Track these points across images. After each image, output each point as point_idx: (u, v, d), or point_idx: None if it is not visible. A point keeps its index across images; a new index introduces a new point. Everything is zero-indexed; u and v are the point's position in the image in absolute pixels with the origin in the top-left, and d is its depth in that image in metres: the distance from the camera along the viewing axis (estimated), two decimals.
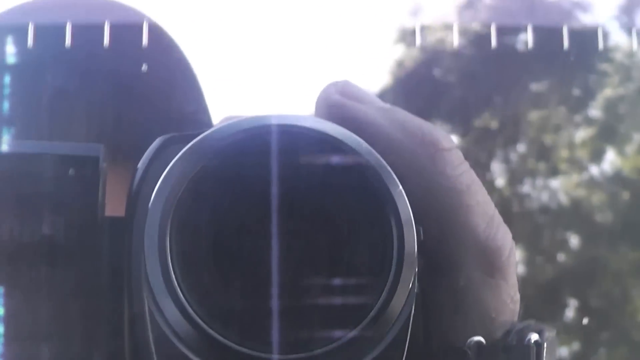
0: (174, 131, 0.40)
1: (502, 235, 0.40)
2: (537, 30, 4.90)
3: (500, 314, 0.40)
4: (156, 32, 0.70)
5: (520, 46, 5.05)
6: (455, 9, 5.01)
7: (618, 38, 5.31)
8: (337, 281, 0.37)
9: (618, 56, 5.30)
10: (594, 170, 5.65)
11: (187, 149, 0.35)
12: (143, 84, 0.67)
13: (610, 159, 5.69)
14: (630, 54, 5.28)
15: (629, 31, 5.23)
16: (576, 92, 5.50)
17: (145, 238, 0.34)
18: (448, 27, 4.96)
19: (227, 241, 0.36)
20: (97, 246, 0.37)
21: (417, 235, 0.37)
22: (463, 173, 0.40)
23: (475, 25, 4.86)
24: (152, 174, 0.37)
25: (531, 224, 5.72)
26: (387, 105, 0.42)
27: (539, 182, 5.75)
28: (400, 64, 5.45)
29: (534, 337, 0.39)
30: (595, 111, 5.56)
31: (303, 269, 0.36)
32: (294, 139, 0.36)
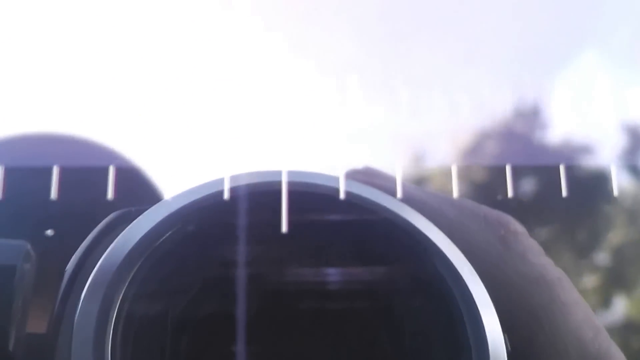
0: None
1: (615, 351, 0.31)
2: (540, 175, 4.93)
3: None
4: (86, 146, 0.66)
5: (523, 191, 5.05)
6: (458, 154, 5.03)
7: (623, 181, 5.32)
8: None
9: (623, 200, 5.31)
10: (604, 317, 5.61)
11: (128, 229, 0.28)
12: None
13: (620, 305, 5.65)
14: (636, 197, 5.29)
15: (634, 173, 5.24)
16: (582, 237, 5.49)
17: None
18: (449, 174, 4.96)
19: None
20: None
21: (504, 347, 0.29)
22: (549, 263, 0.32)
23: (477, 171, 4.87)
24: (88, 270, 0.29)
25: None
26: (436, 192, 0.35)
27: None
28: None
29: None
30: (602, 257, 5.55)
31: None
32: (300, 202, 0.28)
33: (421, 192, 0.34)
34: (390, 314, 0.31)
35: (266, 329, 0.30)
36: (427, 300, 0.30)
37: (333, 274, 0.30)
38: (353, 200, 0.30)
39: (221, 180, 0.29)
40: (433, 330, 0.30)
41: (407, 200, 0.32)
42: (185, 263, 0.29)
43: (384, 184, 0.34)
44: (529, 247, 0.33)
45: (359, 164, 0.35)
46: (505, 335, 0.29)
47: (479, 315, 0.29)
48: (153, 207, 0.29)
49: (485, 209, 0.34)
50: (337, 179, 0.30)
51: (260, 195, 0.29)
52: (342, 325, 0.31)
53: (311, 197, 0.29)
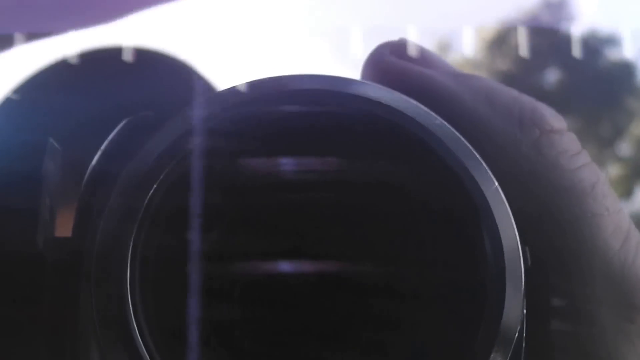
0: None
1: None
2: (565, 66, 4.94)
3: None
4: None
5: (547, 83, 5.06)
6: (484, 45, 5.02)
7: None
8: (400, 331, 0.27)
9: None
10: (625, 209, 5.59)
11: (162, 130, 0.27)
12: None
13: None
14: None
15: None
16: (605, 129, 5.49)
17: (93, 270, 0.25)
18: (474, 65, 4.96)
19: (224, 277, 0.27)
20: (37, 280, 0.28)
21: (522, 261, 0.27)
22: (583, 166, 0.29)
23: (502, 62, 4.87)
24: (112, 172, 0.27)
25: None
26: (465, 73, 0.31)
27: None
28: None
29: None
30: (624, 149, 5.54)
31: (355, 310, 0.27)
32: (324, 111, 0.26)
33: (456, 85, 0.30)
34: (403, 220, 0.28)
35: (287, 226, 0.29)
36: (443, 210, 0.28)
37: (346, 170, 0.28)
38: (361, 105, 0.27)
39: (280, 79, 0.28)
40: (449, 241, 0.28)
41: (436, 95, 0.30)
42: (210, 172, 0.27)
43: (412, 66, 0.31)
44: (564, 149, 0.29)
45: (394, 37, 0.32)
46: (527, 248, 0.27)
47: (496, 227, 0.27)
48: (182, 113, 0.28)
49: (522, 102, 0.30)
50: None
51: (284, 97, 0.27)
52: (351, 219, 0.29)
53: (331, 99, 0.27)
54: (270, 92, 0.27)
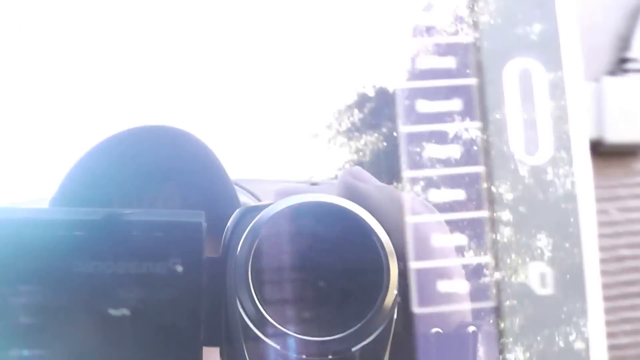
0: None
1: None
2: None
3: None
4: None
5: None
6: (467, 2, 4.95)
7: None
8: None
9: None
10: None
11: (257, 219, 0.45)
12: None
13: None
14: None
15: None
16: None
17: (235, 276, 0.44)
18: (460, 21, 4.92)
19: (285, 275, 0.45)
20: (199, 280, 0.45)
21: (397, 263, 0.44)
22: (423, 221, 0.44)
23: (487, 17, 4.79)
24: (236, 232, 0.47)
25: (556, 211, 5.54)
26: (384, 185, 0.49)
27: None
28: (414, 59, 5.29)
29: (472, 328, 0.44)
30: None
31: (320, 286, 0.45)
32: (322, 214, 0.46)
33: (378, 194, 0.47)
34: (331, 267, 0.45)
35: None
36: (357, 265, 0.44)
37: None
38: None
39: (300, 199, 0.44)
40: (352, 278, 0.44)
41: (369, 201, 0.47)
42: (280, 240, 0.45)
43: (358, 183, 0.48)
44: (417, 212, 0.43)
45: (351, 163, 0.48)
46: (402, 263, 0.43)
47: (387, 262, 0.43)
48: (271, 205, 0.45)
49: (401, 198, 0.45)
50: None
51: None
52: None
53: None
54: (303, 214, 0.44)
